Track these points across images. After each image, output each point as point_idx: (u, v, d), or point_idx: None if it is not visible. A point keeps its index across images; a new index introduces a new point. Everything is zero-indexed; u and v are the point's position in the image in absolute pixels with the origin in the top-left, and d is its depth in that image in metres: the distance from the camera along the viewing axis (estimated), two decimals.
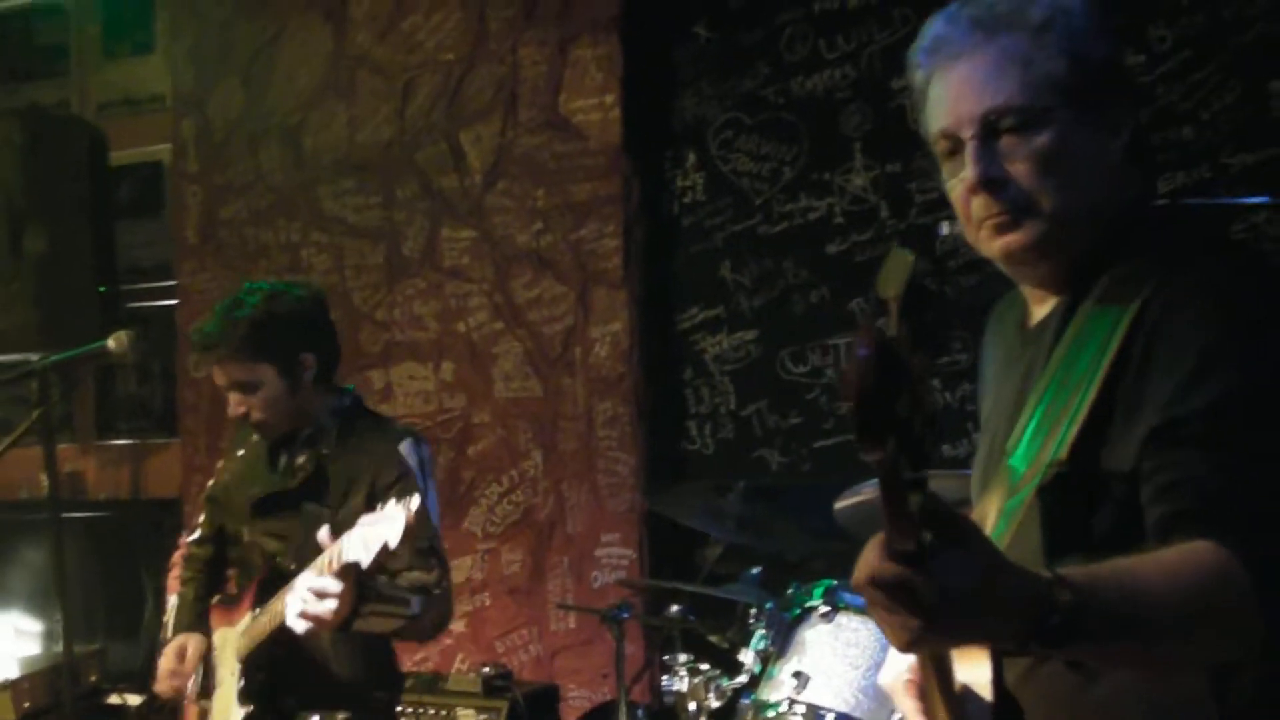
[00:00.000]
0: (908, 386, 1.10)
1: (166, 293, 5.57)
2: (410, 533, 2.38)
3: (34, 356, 3.69)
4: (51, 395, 3.45)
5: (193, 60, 5.40)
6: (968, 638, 1.28)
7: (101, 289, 4.88)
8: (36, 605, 5.04)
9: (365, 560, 2.44)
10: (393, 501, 2.44)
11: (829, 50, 4.52)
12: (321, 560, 2.56)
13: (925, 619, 1.17)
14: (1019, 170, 1.49)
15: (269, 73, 5.26)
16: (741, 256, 4.67)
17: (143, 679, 3.32)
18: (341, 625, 2.60)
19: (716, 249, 4.71)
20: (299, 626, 2.58)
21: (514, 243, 4.84)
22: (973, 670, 1.48)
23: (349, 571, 2.51)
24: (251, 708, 2.92)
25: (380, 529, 2.43)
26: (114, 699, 4.86)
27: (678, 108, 4.76)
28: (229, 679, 3.02)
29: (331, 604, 2.53)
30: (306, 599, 2.55)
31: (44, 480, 3.61)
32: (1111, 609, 1.25)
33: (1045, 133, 1.48)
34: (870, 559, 1.19)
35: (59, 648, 3.87)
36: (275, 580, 2.88)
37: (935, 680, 1.41)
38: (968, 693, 1.49)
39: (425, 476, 2.99)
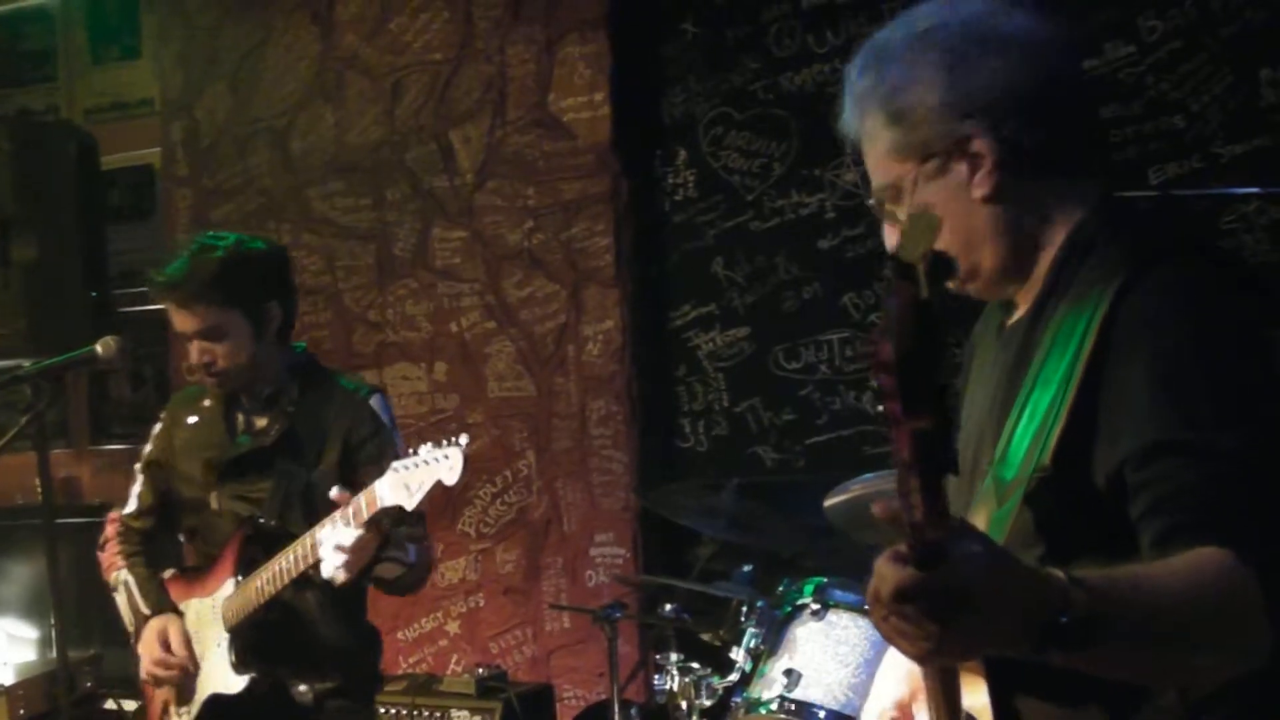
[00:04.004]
0: (941, 354, 1.02)
1: None
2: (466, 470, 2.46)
3: (25, 363, 3.68)
4: (41, 401, 3.43)
5: (180, 64, 5.40)
6: (984, 639, 1.23)
7: (93, 294, 4.86)
8: (31, 611, 5.02)
9: (410, 503, 2.49)
10: (430, 446, 2.48)
11: (818, 45, 4.50)
12: (346, 512, 2.57)
13: (944, 623, 1.14)
14: None
15: (256, 76, 5.25)
16: (733, 253, 4.65)
17: (138, 685, 3.30)
18: (365, 570, 2.64)
19: (708, 246, 4.70)
20: (338, 577, 2.59)
21: (505, 242, 4.83)
22: (970, 696, 1.43)
23: (377, 520, 2.55)
24: (253, 674, 2.85)
25: (427, 471, 2.46)
26: (110, 705, 4.85)
27: (667, 104, 4.75)
28: (214, 649, 2.93)
29: (362, 553, 2.57)
30: (338, 552, 2.57)
31: (38, 486, 3.61)
32: (1126, 612, 1.24)
33: (902, 203, 1.55)
34: (890, 573, 1.15)
35: (54, 654, 3.85)
36: (260, 541, 2.85)
37: (942, 702, 1.35)
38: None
39: (395, 431, 2.97)
